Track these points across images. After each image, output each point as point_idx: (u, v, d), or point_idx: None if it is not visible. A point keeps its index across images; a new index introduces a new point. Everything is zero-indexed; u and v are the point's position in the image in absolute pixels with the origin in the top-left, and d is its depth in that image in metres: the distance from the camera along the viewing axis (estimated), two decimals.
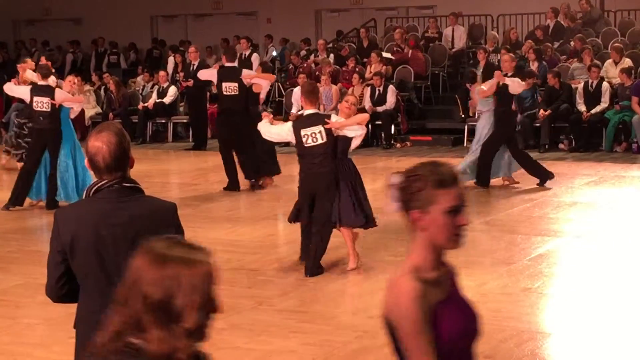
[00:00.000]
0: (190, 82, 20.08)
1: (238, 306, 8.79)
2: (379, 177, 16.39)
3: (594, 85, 18.75)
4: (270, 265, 10.40)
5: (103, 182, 4.32)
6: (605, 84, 18.77)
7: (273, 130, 10.54)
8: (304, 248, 10.22)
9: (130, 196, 4.33)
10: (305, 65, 22.86)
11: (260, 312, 8.67)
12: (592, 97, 18.70)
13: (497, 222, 12.30)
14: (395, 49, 22.36)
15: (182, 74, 21.39)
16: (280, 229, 12.81)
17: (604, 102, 18.61)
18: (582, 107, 18.69)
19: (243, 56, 22.60)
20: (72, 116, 14.30)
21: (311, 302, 8.97)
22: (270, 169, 15.39)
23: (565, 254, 10.69)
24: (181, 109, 22.60)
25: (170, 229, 4.34)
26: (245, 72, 15.41)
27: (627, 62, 19.45)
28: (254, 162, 15.06)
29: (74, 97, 14.21)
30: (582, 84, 18.85)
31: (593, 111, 18.53)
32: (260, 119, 11.52)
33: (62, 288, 4.38)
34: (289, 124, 10.49)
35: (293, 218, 10.34)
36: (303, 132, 9.88)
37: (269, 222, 12.97)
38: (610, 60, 19.70)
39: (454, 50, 22.91)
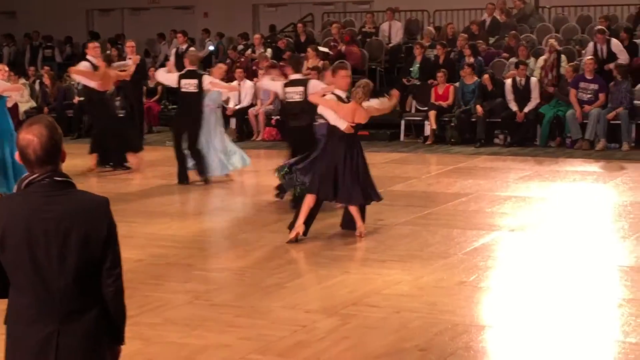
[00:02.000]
0: (127, 76, 19.87)
1: (173, 301, 8.74)
2: None
3: (522, 82, 18.88)
4: (206, 260, 10.35)
5: (34, 176, 4.26)
6: (533, 80, 18.92)
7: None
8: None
9: (62, 190, 4.28)
10: (242, 59, 22.79)
11: (196, 306, 8.62)
12: (522, 93, 18.85)
13: (433, 216, 12.36)
14: (332, 44, 22.37)
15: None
16: (215, 224, 12.75)
17: (535, 98, 18.77)
18: (512, 105, 18.81)
19: (179, 50, 22.47)
20: (9, 105, 14.12)
21: (247, 296, 8.93)
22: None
23: (500, 247, 10.77)
24: (117, 103, 22.37)
25: (103, 223, 4.30)
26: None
27: (562, 58, 19.63)
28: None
29: (12, 86, 14.06)
30: (510, 80, 18.97)
31: (526, 109, 18.68)
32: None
33: None
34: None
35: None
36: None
37: (205, 217, 12.92)
38: (544, 56, 19.87)
39: (390, 45, 22.99)
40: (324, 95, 11.45)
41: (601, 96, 18.22)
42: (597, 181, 14.89)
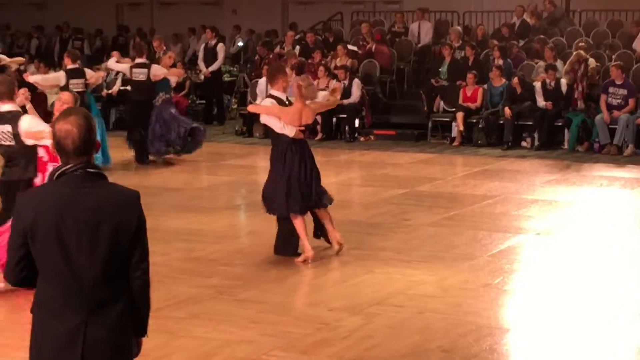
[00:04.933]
0: None
1: (198, 295, 8.77)
2: (343, 171, 16.43)
3: (552, 84, 18.81)
4: (232, 256, 10.38)
5: (68, 167, 4.29)
6: (563, 81, 18.82)
7: None
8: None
9: (94, 182, 4.31)
10: (271, 56, 22.81)
11: (221, 301, 8.65)
12: (552, 95, 18.76)
13: (459, 217, 12.34)
14: (361, 42, 22.36)
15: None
16: (241, 219, 12.80)
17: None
18: (542, 103, 18.73)
19: (208, 45, 22.53)
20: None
21: (271, 292, 8.95)
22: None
23: (526, 250, 10.75)
24: None
25: (133, 217, 4.33)
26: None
27: (591, 62, 19.55)
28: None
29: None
30: (540, 82, 18.90)
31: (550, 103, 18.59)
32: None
33: (21, 271, 4.33)
34: None
35: None
36: None
37: (230, 212, 12.95)
38: (572, 58, 19.76)
39: (419, 45, 22.95)
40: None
41: (631, 101, 18.11)
42: (624, 187, 14.81)
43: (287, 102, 10.19)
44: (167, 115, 16.43)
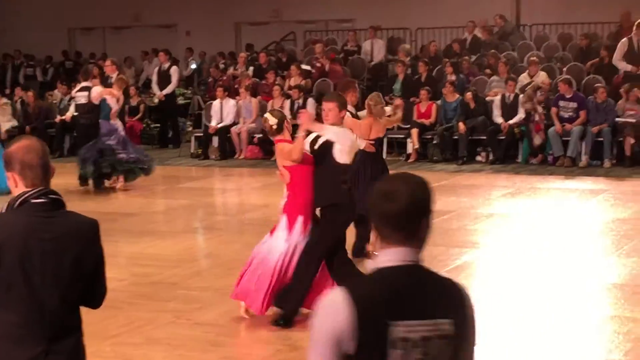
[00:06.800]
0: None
1: (156, 320, 8.72)
2: None
3: (511, 97, 18.99)
4: (190, 279, 10.34)
5: (30, 193, 4.27)
6: (522, 96, 19.01)
7: None
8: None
9: (57, 210, 4.31)
10: (224, 78, 22.81)
11: (179, 326, 8.60)
12: (510, 109, 18.94)
13: None
14: (314, 62, 22.42)
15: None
16: (199, 242, 12.75)
17: (521, 113, 18.83)
18: (499, 119, 18.91)
19: (162, 68, 22.48)
20: None
21: (230, 315, 8.91)
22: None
23: (483, 265, 10.79)
24: None
25: (93, 245, 4.36)
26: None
27: (542, 75, 19.74)
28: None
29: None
30: (499, 96, 19.08)
31: (511, 122, 18.74)
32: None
33: None
34: None
35: None
36: None
37: (187, 236, 12.90)
38: (525, 74, 19.98)
39: (373, 63, 23.05)
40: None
41: (582, 114, 18.29)
42: (580, 198, 14.94)
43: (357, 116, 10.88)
44: (112, 141, 16.39)
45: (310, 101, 20.15)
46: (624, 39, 19.32)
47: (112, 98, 16.60)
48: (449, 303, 3.36)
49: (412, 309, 3.19)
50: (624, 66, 19.20)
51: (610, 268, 10.48)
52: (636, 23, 19.12)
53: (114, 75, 19.68)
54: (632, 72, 18.99)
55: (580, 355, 7.72)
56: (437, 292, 3.30)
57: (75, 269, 4.29)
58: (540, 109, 18.55)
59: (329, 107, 8.65)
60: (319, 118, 9.63)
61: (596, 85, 18.66)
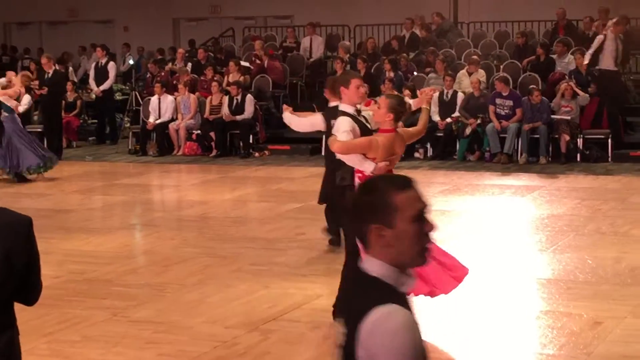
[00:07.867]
0: (45, 90, 19.85)
1: (92, 317, 8.65)
2: (238, 186, 16.40)
3: (449, 95, 19.12)
4: (126, 276, 10.27)
5: None
6: (460, 94, 19.16)
7: (304, 120, 10.55)
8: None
9: None
10: (162, 74, 22.68)
11: (115, 323, 8.55)
12: (447, 106, 19.08)
13: None
14: (253, 58, 22.38)
15: (36, 82, 20.97)
16: (136, 239, 12.68)
17: (458, 111, 18.97)
18: (436, 117, 19.02)
19: (99, 64, 22.31)
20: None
21: (167, 312, 8.88)
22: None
23: None
24: (35, 117, 22.14)
25: (26, 242, 4.31)
26: None
27: (480, 73, 19.89)
28: None
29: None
30: (437, 93, 19.18)
31: (449, 119, 18.87)
32: None
33: None
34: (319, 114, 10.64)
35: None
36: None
37: (124, 232, 12.82)
38: (463, 71, 20.12)
39: (311, 60, 23.06)
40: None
41: (518, 111, 18.46)
42: (515, 194, 15.08)
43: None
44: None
45: (249, 97, 20.11)
46: (600, 36, 19.14)
47: (10, 100, 16.79)
48: None
49: None
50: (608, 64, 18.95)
51: (544, 264, 10.60)
52: (613, 21, 18.98)
53: (51, 71, 19.55)
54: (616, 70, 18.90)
55: (515, 349, 7.80)
56: None
57: (6, 266, 4.23)
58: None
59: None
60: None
61: (531, 87, 18.78)
